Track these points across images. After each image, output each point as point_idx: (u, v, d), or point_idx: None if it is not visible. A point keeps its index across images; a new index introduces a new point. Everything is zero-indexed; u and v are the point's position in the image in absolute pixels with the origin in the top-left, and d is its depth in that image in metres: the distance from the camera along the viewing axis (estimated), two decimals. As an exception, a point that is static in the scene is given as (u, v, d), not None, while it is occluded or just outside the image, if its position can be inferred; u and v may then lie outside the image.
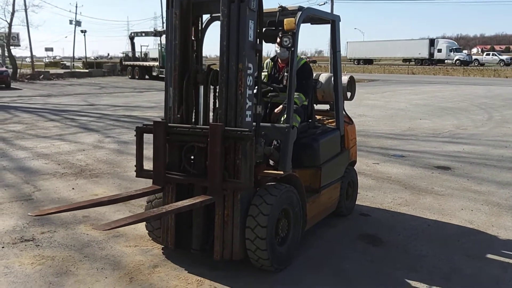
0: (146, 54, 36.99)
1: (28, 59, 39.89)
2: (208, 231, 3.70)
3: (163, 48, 28.26)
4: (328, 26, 4.84)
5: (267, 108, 4.45)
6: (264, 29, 3.76)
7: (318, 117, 5.11)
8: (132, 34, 36.41)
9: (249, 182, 3.43)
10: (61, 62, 54.54)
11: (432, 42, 55.99)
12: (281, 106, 4.31)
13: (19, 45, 40.14)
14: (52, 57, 64.32)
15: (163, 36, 23.53)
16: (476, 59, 55.97)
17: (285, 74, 4.43)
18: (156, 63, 31.80)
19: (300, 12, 4.02)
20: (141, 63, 34.98)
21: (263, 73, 4.62)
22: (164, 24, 4.31)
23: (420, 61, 55.69)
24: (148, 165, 3.83)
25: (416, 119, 13.35)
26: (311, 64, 5.14)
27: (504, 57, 56.66)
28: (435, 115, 14.21)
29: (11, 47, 33.62)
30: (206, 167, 3.58)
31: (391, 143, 9.54)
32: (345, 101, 5.11)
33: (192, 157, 3.72)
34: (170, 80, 3.75)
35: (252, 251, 3.52)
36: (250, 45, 3.48)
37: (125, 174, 6.67)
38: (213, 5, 3.74)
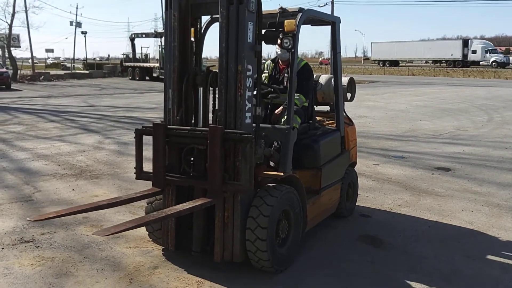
0: (146, 55, 37.06)
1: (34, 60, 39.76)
2: (209, 233, 3.69)
3: (163, 50, 28.27)
4: (329, 27, 4.84)
5: (267, 109, 4.45)
6: (264, 30, 3.76)
7: (318, 118, 5.11)
8: (133, 36, 36.51)
9: (249, 184, 3.42)
10: (62, 64, 54.60)
11: (466, 43, 53.71)
12: (281, 107, 4.31)
13: (20, 46, 40.17)
14: (55, 58, 64.42)
15: (164, 38, 23.55)
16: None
17: (286, 75, 4.43)
18: (157, 64, 31.85)
19: (301, 14, 4.02)
20: (141, 64, 35.04)
21: (264, 74, 4.63)
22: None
23: (452, 63, 53.40)
24: (148, 166, 3.83)
25: (417, 120, 13.35)
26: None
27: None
28: (435, 116, 14.21)
29: (11, 48, 33.65)
30: (206, 169, 3.58)
31: (392, 144, 9.54)
32: (345, 102, 5.12)
33: (192, 159, 3.72)
34: (169, 82, 3.74)
35: (253, 252, 3.51)
36: (249, 47, 3.48)
37: (126, 175, 6.67)
38: (212, 6, 3.72)
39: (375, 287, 3.58)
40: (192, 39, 3.86)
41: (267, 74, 4.67)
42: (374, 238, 4.51)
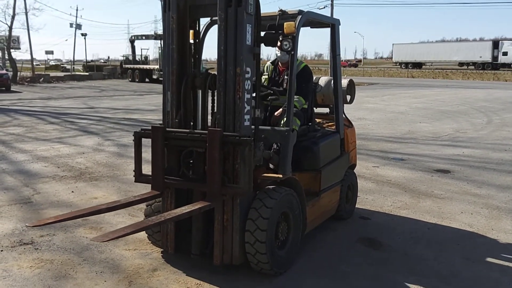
0: (146, 57, 37.10)
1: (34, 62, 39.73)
2: (208, 235, 3.69)
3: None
4: (328, 29, 4.85)
5: (267, 111, 4.46)
6: (264, 32, 3.76)
7: (318, 120, 5.11)
8: (133, 37, 36.54)
9: (248, 187, 3.42)
10: (61, 65, 54.65)
11: (496, 44, 50.59)
12: (281, 109, 4.31)
13: (20, 48, 40.22)
14: (55, 60, 64.47)
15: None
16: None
17: (285, 77, 4.44)
18: (156, 66, 31.88)
19: (300, 16, 4.02)
20: (141, 66, 35.07)
21: (263, 77, 4.64)
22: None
23: (480, 65, 50.02)
24: (147, 168, 3.83)
25: (416, 122, 13.35)
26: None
27: None
28: (434, 119, 14.22)
29: (11, 50, 33.68)
30: (205, 172, 3.57)
31: (391, 146, 9.54)
32: (344, 104, 5.12)
33: (191, 161, 3.72)
34: (168, 84, 3.72)
35: (252, 255, 3.51)
36: (248, 49, 3.47)
37: (125, 177, 6.67)
38: (210, 8, 3.72)
39: (374, 289, 3.58)
40: (191, 41, 3.86)
41: (266, 76, 4.68)
42: (373, 240, 4.51)
